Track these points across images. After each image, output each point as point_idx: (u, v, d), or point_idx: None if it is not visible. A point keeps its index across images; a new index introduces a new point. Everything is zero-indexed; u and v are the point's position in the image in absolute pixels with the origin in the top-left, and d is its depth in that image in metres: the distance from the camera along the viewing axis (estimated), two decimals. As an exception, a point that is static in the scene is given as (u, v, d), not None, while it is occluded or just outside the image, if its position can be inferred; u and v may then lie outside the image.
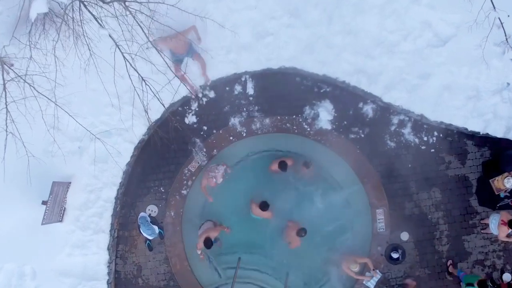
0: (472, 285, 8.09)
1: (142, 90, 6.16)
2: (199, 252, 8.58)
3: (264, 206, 8.30)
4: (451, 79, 8.73)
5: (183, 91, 8.15)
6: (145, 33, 5.78)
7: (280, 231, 8.98)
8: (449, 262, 8.96)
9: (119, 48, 5.68)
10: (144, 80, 5.96)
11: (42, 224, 8.09)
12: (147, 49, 6.24)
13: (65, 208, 8.62)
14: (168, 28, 6.68)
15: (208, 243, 8.15)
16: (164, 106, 6.65)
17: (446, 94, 8.77)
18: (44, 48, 6.69)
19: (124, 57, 5.73)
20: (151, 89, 6.15)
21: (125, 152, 8.83)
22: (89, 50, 6.15)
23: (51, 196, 8.10)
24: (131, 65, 5.62)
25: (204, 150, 9.18)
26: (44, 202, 8.12)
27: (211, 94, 9.24)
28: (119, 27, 5.90)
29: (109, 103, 8.66)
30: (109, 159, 8.68)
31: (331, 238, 9.20)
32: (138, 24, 5.59)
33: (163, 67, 6.27)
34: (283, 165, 8.44)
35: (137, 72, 5.91)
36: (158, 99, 6.34)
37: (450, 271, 8.96)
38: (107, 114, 8.72)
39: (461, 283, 8.57)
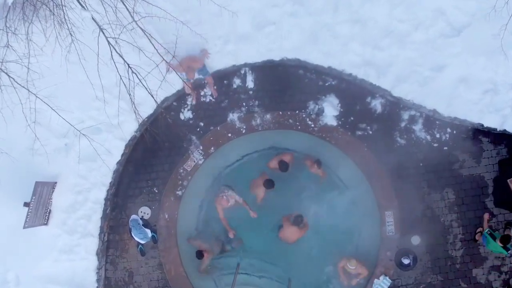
0: (493, 236, 7.68)
1: (129, 79, 5.54)
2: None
3: (269, 183, 7.77)
4: (466, 71, 8.11)
5: (175, 82, 7.50)
6: (129, 12, 5.16)
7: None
8: (479, 229, 8.31)
9: (103, 32, 5.07)
10: (130, 68, 5.35)
11: (24, 227, 7.50)
12: (132, 30, 5.61)
13: (50, 210, 8.03)
14: (157, 10, 6.01)
15: (200, 255, 7.87)
16: (152, 96, 6.01)
17: (460, 88, 8.17)
18: (23, 34, 6.08)
19: (108, 41, 5.12)
20: (137, 77, 5.53)
21: (115, 150, 8.26)
22: (71, 35, 5.54)
23: (34, 197, 7.50)
24: (115, 50, 5.00)
25: (201, 147, 8.59)
26: (26, 204, 7.52)
27: (208, 89, 8.62)
28: (102, 7, 5.28)
29: (97, 97, 8.06)
30: (98, 157, 8.08)
31: (336, 242, 8.59)
32: (122, 2, 4.97)
33: (150, 53, 5.63)
34: (283, 165, 7.85)
35: (122, 58, 5.29)
36: (145, 87, 5.72)
37: (477, 238, 8.34)
38: (96, 109, 8.15)
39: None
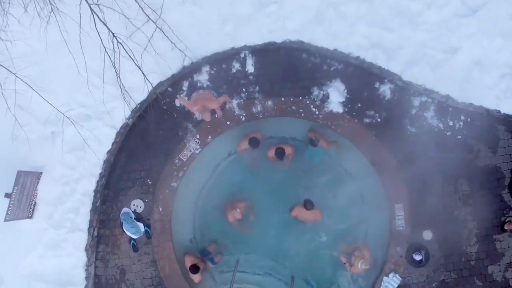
0: None
1: (114, 51, 4.97)
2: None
3: (254, 142, 7.38)
4: (481, 53, 7.61)
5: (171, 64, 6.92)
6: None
7: (285, 227, 7.94)
8: (508, 218, 7.83)
9: (84, -2, 4.52)
10: (115, 37, 4.79)
11: (6, 220, 6.95)
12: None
13: (35, 202, 7.47)
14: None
15: (194, 269, 7.33)
16: (140, 68, 5.43)
17: (475, 72, 7.66)
18: None
19: (91, 8, 4.56)
20: (123, 48, 4.96)
21: (105, 138, 7.71)
22: (50, 3, 4.98)
23: (16, 187, 6.95)
24: (98, 18, 4.45)
25: (197, 136, 8.04)
26: (7, 195, 6.96)
27: (205, 73, 8.06)
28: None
29: (86, 81, 7.51)
30: (87, 146, 7.55)
31: (342, 237, 8.03)
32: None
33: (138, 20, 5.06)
34: (279, 153, 7.32)
35: (106, 26, 4.74)
36: (132, 58, 5.15)
37: (506, 228, 7.80)
38: (85, 94, 7.54)
39: None
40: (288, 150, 7.55)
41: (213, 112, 7.80)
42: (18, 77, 5.83)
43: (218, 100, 7.53)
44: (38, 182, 7.41)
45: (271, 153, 7.51)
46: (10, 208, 6.92)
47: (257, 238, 8.00)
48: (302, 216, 7.54)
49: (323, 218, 7.68)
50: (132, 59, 5.15)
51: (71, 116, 6.97)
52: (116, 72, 5.31)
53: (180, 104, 8.00)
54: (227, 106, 7.82)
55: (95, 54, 6.53)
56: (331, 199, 8.01)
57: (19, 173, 6.98)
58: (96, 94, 7.56)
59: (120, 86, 5.55)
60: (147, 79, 5.51)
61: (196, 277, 7.57)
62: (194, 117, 8.04)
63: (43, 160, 7.54)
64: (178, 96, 7.22)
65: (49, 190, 7.52)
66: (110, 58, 4.96)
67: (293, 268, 8.09)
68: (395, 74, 7.81)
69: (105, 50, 4.95)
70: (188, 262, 7.51)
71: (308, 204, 7.25)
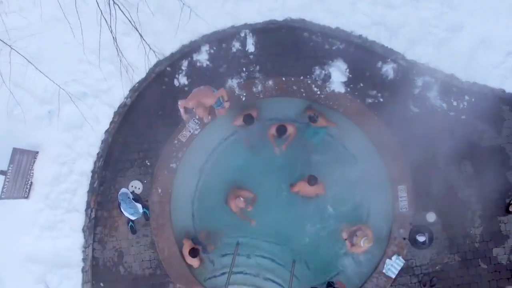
0: None
1: (110, 14, 4.83)
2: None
3: (248, 119, 7.19)
4: (486, 31, 7.54)
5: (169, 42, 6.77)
6: None
7: (286, 208, 7.79)
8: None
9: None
10: (111, -3, 4.64)
11: (1, 198, 6.78)
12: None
13: (31, 182, 7.32)
14: None
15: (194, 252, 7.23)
16: (137, 29, 5.26)
17: (480, 50, 7.58)
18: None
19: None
20: (121, 10, 4.81)
21: (103, 117, 7.57)
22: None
23: (11, 165, 6.81)
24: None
25: (197, 116, 7.87)
26: (2, 172, 6.81)
27: (205, 52, 7.93)
28: None
29: (84, 58, 7.40)
30: (85, 125, 7.44)
31: (344, 219, 7.87)
32: None
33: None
34: (280, 130, 7.23)
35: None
36: (130, 21, 4.99)
37: (511, 209, 7.67)
38: (82, 71, 7.46)
39: None
40: (290, 129, 7.41)
41: (211, 111, 7.59)
42: (13, 49, 5.67)
43: (214, 95, 7.21)
44: (34, 162, 7.26)
45: (272, 130, 7.37)
46: (5, 186, 6.78)
47: (257, 220, 7.83)
48: (305, 191, 7.40)
49: (326, 195, 7.54)
50: (128, 20, 4.99)
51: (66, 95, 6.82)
52: (113, 38, 5.14)
53: (179, 83, 7.87)
54: (223, 104, 7.42)
55: (93, 29, 6.44)
56: (332, 181, 7.86)
57: (15, 150, 6.84)
58: (93, 72, 7.47)
59: (116, 49, 5.37)
60: (143, 39, 5.32)
61: (195, 262, 7.43)
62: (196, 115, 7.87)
63: (40, 139, 7.40)
64: (179, 101, 7.06)
65: (45, 170, 7.37)
66: (106, 21, 4.80)
67: (294, 251, 7.94)
68: (398, 53, 7.69)
69: (101, 13, 4.79)
70: (187, 246, 7.37)
71: (311, 180, 7.09)
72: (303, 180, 7.24)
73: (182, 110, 7.18)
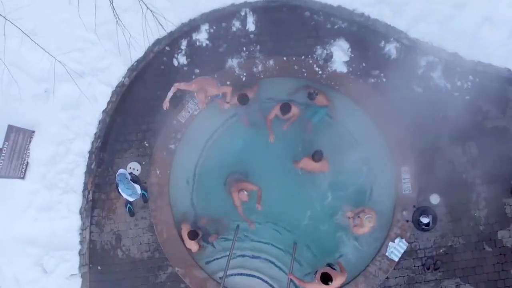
0: None
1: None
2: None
3: (243, 98, 6.95)
4: (491, 9, 7.35)
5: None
6: None
7: (288, 188, 7.67)
8: None
9: None
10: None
11: (-4, 176, 6.63)
12: None
13: (27, 162, 7.17)
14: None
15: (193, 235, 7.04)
16: None
17: (484, 28, 7.39)
18: None
19: None
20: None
21: (101, 96, 7.41)
22: None
23: (6, 143, 6.66)
24: None
25: (197, 100, 7.71)
26: (-3, 149, 6.67)
27: (204, 31, 7.79)
28: None
29: (81, 37, 7.27)
30: (82, 104, 7.33)
31: (346, 201, 7.71)
32: None
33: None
34: (285, 108, 7.05)
35: None
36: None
37: None
38: (79, 49, 7.30)
39: None
40: (294, 110, 7.24)
41: (210, 100, 7.40)
42: (8, 20, 5.53)
43: (219, 89, 7.10)
44: (30, 141, 7.11)
45: (275, 112, 7.21)
46: (0, 164, 6.62)
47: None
48: (309, 167, 7.22)
49: (328, 177, 7.40)
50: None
51: (64, 71, 6.67)
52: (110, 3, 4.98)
53: (179, 63, 7.73)
54: (226, 102, 7.24)
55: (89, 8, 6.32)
56: (334, 163, 7.70)
57: (10, 127, 6.69)
58: (91, 50, 7.34)
59: (113, 11, 5.22)
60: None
61: (193, 245, 7.27)
62: (193, 77, 7.74)
63: (36, 118, 7.24)
64: (176, 84, 6.88)
65: (42, 150, 7.21)
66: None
67: (295, 234, 7.80)
68: (401, 31, 7.55)
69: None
70: (185, 230, 7.22)
71: (317, 155, 6.90)
72: (308, 156, 7.08)
73: (170, 94, 6.90)
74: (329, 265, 7.06)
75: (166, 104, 6.91)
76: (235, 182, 7.23)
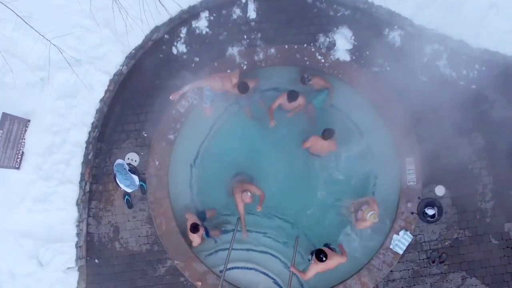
0: None
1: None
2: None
3: (243, 87, 6.76)
4: (498, -6, 7.12)
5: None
6: None
7: (289, 180, 7.49)
8: None
9: None
10: None
11: (-10, 166, 6.45)
12: None
13: (22, 152, 6.98)
14: None
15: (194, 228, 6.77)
16: None
17: (492, 14, 7.20)
18: None
19: None
20: None
21: (98, 84, 7.22)
22: None
23: (1, 131, 6.48)
24: None
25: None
26: (-9, 138, 6.48)
27: (204, 19, 7.61)
28: None
29: (78, 23, 7.09)
30: (79, 92, 7.15)
31: (349, 195, 7.53)
32: None
33: None
34: (291, 95, 6.85)
35: None
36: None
37: None
38: (76, 37, 7.10)
39: None
40: (300, 100, 7.07)
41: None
42: (1, 2, 5.35)
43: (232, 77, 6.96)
44: (25, 130, 6.93)
45: (280, 100, 7.04)
46: (-6, 153, 6.46)
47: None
48: (317, 147, 7.03)
49: (331, 168, 7.23)
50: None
51: (60, 59, 6.49)
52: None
53: (178, 51, 7.57)
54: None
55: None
56: (337, 154, 7.55)
57: (4, 115, 6.50)
58: (88, 37, 7.16)
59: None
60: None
61: (195, 238, 7.07)
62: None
63: (31, 107, 7.04)
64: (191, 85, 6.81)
65: (37, 140, 7.02)
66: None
67: (297, 227, 7.64)
68: (406, 18, 7.37)
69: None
70: (190, 220, 7.00)
71: (327, 133, 6.71)
72: (316, 135, 6.87)
73: (187, 89, 6.83)
74: (326, 245, 6.88)
75: (175, 96, 6.78)
76: (239, 183, 7.02)
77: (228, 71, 7.33)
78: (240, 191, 6.82)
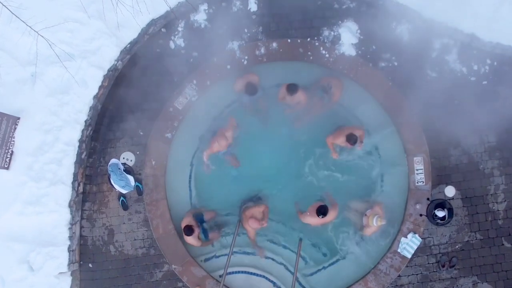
0: None
1: None
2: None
3: (251, 88, 6.63)
4: (511, -15, 6.80)
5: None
6: None
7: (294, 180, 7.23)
8: None
9: None
10: None
11: (-24, 166, 6.12)
12: None
13: (12, 151, 6.66)
14: None
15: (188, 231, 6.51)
16: None
17: (504, 7, 6.87)
18: None
19: None
20: None
21: (92, 80, 6.89)
22: None
23: (-12, 129, 6.15)
24: None
25: (194, 82, 7.25)
26: (-23, 136, 6.15)
27: (203, 12, 7.28)
28: None
29: (70, 16, 6.76)
30: (71, 89, 6.84)
31: (355, 195, 7.22)
32: None
33: None
34: (291, 88, 6.56)
35: None
36: None
37: None
38: (69, 30, 6.78)
39: None
40: (300, 96, 6.76)
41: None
42: (-14, -9, 5.03)
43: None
44: (15, 128, 6.60)
45: (283, 90, 6.72)
46: (-19, 153, 6.13)
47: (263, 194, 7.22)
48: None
49: (335, 167, 6.94)
50: None
51: (51, 54, 6.18)
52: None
53: (175, 46, 7.25)
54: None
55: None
56: (342, 154, 7.23)
57: (-8, 112, 6.19)
58: (80, 30, 6.84)
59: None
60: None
61: (191, 241, 6.73)
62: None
63: (21, 104, 6.71)
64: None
65: (28, 138, 6.70)
66: None
67: (300, 230, 7.29)
68: (414, 11, 7.05)
69: None
70: (185, 222, 6.68)
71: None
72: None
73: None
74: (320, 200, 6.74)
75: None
76: (244, 213, 6.70)
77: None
78: (246, 220, 6.56)
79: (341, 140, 6.62)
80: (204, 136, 7.07)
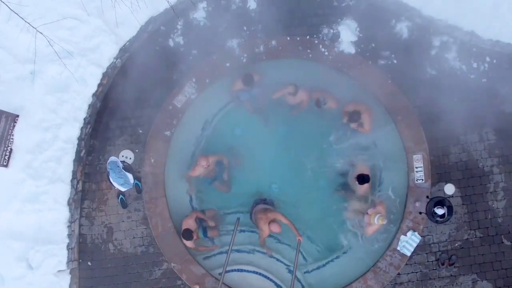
0: None
1: None
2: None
3: (248, 79, 6.63)
4: (511, -16, 6.80)
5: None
6: None
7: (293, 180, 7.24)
8: None
9: None
10: None
11: (-25, 163, 6.11)
12: None
13: (11, 149, 6.65)
14: None
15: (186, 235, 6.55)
16: None
17: (504, 5, 6.88)
18: None
19: None
20: None
21: (91, 78, 6.89)
22: None
23: (-14, 126, 6.14)
24: None
25: (193, 80, 7.25)
26: (-24, 134, 6.15)
27: (202, 10, 7.28)
28: None
29: (69, 13, 6.75)
30: (70, 87, 6.82)
31: (354, 193, 7.18)
32: None
33: None
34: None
35: None
36: None
37: None
38: (68, 28, 6.77)
39: None
40: (302, 95, 6.77)
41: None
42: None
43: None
44: (14, 126, 6.59)
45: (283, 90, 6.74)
46: (-21, 150, 6.12)
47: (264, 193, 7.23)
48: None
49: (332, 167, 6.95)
50: None
51: (50, 52, 6.16)
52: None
53: (174, 44, 7.24)
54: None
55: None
56: (340, 151, 7.24)
57: (-10, 109, 6.18)
58: (80, 28, 6.83)
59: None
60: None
61: (189, 244, 6.74)
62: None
63: (20, 102, 6.69)
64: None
65: (27, 136, 6.68)
66: None
67: (300, 227, 7.25)
68: (414, 8, 7.05)
69: None
70: (185, 224, 6.67)
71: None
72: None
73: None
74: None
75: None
76: (263, 213, 6.59)
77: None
78: (266, 221, 6.43)
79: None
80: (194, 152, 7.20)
